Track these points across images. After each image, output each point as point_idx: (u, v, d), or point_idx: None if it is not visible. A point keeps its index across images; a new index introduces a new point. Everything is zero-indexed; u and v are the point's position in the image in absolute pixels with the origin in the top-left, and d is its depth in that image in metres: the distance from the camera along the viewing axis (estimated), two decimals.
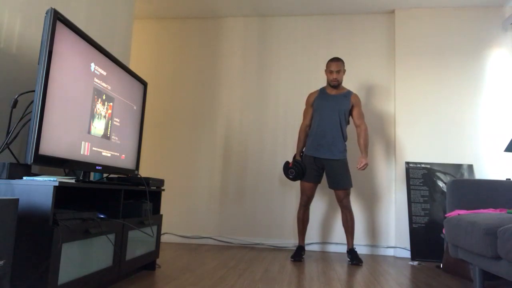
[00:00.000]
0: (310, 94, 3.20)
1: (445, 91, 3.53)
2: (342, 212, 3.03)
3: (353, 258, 2.88)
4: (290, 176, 3.04)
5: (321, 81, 3.76)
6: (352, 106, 3.10)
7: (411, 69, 3.60)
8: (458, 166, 3.37)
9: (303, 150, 3.17)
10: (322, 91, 3.16)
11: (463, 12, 3.62)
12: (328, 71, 3.09)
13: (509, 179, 2.84)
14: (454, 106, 3.50)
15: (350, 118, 3.47)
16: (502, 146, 3.39)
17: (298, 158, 3.13)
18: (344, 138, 3.06)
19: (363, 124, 3.08)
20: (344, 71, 3.10)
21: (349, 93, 3.10)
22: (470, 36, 3.57)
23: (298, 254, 2.96)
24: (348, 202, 3.00)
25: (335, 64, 3.06)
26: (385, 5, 3.63)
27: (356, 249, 3.07)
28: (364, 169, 2.98)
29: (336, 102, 3.07)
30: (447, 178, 3.34)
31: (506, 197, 2.42)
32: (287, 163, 3.09)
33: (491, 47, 3.53)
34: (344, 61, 3.75)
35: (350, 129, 3.61)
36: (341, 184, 2.98)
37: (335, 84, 3.07)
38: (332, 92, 3.12)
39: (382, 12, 3.76)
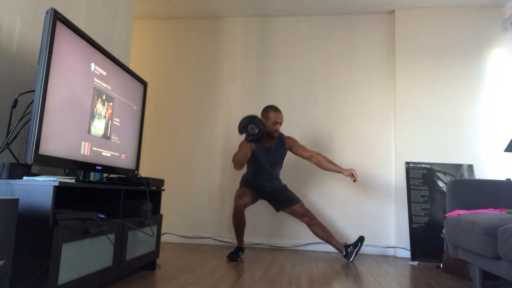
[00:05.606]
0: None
1: (445, 91, 3.53)
2: (313, 226, 2.97)
3: (348, 254, 2.93)
4: (253, 132, 2.71)
5: (320, 82, 3.76)
6: (290, 149, 3.03)
7: (411, 69, 3.60)
8: (458, 166, 3.37)
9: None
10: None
11: (463, 12, 3.62)
12: (272, 121, 2.89)
13: (509, 179, 2.84)
14: (454, 106, 3.50)
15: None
16: (502, 146, 3.39)
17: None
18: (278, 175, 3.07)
19: (312, 152, 3.00)
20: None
21: (282, 140, 3.00)
22: (470, 36, 3.57)
23: (236, 254, 2.82)
24: (312, 213, 3.00)
25: (282, 116, 2.93)
26: (385, 5, 3.63)
27: (347, 244, 3.01)
28: (356, 176, 2.87)
29: (272, 157, 2.96)
30: (447, 178, 3.34)
31: (506, 197, 2.42)
32: (250, 118, 2.77)
33: (491, 47, 3.53)
34: (344, 61, 3.77)
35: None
36: (290, 200, 3.00)
37: (275, 135, 2.95)
38: (270, 143, 2.98)
39: (382, 12, 3.76)
